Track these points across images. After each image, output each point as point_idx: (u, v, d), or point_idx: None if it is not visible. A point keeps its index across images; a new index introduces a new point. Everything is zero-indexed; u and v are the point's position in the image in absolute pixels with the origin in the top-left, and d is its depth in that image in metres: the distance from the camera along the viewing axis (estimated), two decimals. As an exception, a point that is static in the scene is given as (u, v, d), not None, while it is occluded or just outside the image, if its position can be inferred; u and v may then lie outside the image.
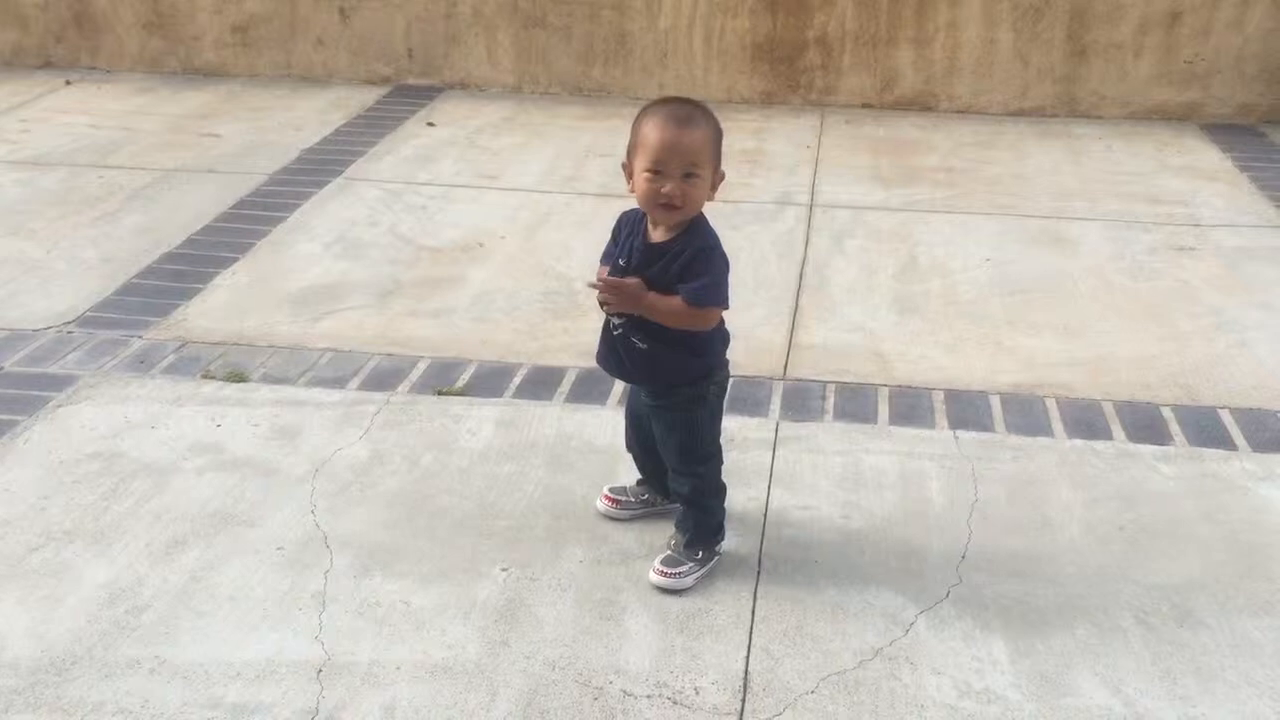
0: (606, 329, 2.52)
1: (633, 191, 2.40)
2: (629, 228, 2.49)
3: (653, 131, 2.33)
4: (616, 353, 2.51)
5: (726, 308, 2.44)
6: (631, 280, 2.39)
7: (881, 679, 2.31)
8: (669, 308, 2.38)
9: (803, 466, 3.01)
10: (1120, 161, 5.39)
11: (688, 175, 2.33)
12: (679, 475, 2.59)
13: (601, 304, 2.44)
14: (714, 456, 2.60)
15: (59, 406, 3.26)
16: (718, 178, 2.41)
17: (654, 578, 2.55)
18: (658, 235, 2.43)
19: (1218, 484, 2.96)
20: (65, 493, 2.87)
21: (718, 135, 2.39)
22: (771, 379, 3.45)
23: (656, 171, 2.33)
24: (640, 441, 2.70)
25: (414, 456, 3.04)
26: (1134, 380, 3.47)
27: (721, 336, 2.54)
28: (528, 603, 2.51)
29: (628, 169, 2.42)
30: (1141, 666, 2.36)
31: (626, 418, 2.74)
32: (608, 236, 2.57)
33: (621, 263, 2.45)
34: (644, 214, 2.45)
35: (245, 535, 2.72)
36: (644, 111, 2.39)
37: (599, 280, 2.42)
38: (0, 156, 5.25)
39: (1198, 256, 4.35)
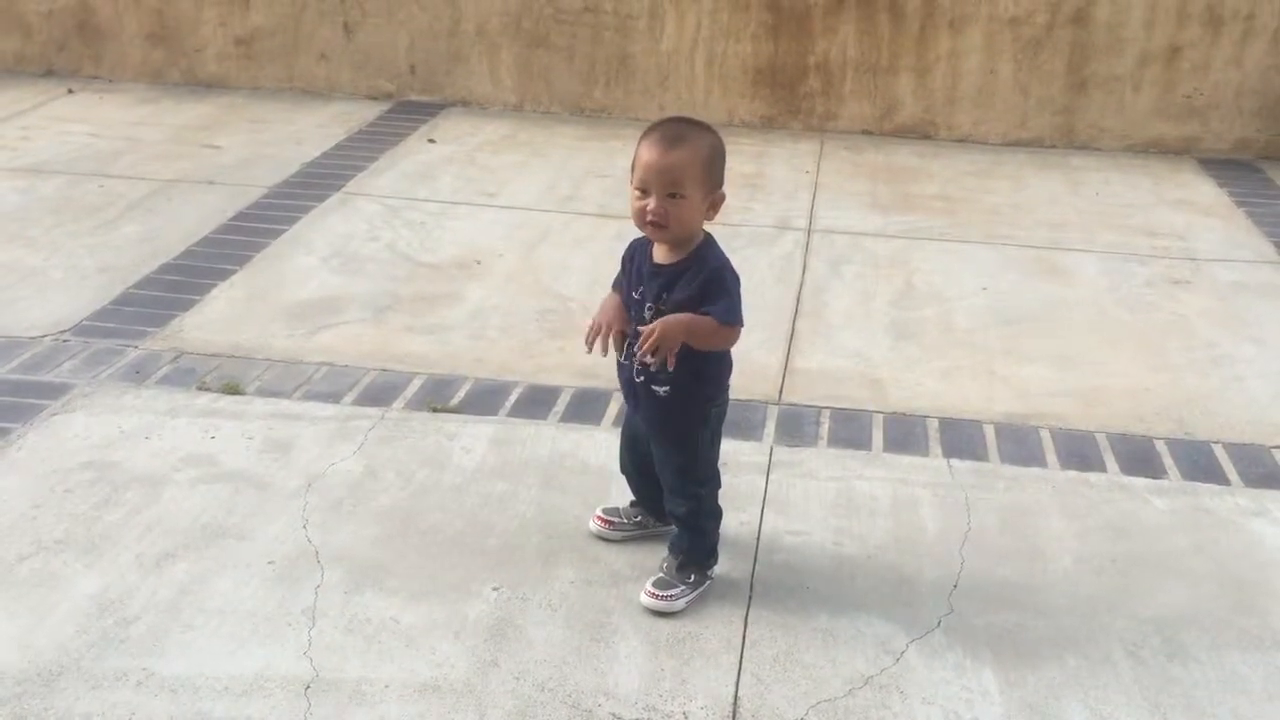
0: (627, 377, 2.52)
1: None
2: (639, 253, 2.50)
3: (643, 151, 2.36)
4: (635, 396, 2.53)
5: (743, 324, 2.44)
6: (658, 323, 2.35)
7: (871, 707, 2.31)
8: (702, 327, 2.37)
9: (796, 491, 3.01)
10: (1118, 194, 5.42)
11: (671, 195, 2.34)
12: (676, 496, 2.59)
13: (639, 357, 2.39)
14: (712, 479, 2.60)
15: (53, 415, 3.25)
16: (716, 198, 2.41)
17: (645, 600, 2.55)
18: (661, 256, 2.45)
19: (1210, 518, 2.97)
20: (57, 502, 2.87)
21: (712, 156, 2.39)
22: (766, 403, 3.45)
23: (643, 190, 2.35)
24: (635, 464, 2.70)
25: (407, 473, 3.04)
26: (1128, 412, 3.47)
27: (728, 364, 2.55)
28: (518, 623, 2.50)
29: None
30: (1131, 700, 2.35)
31: (622, 439, 2.74)
32: (605, 256, 2.58)
33: (636, 295, 2.45)
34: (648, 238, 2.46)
35: (236, 548, 2.71)
36: (645, 130, 2.41)
37: (634, 346, 2.39)
38: (0, 163, 5.26)
39: (1193, 290, 4.37)
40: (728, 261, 2.45)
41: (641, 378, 2.49)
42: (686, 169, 2.34)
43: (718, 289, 2.39)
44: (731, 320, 2.40)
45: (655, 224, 2.36)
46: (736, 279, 2.45)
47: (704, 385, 2.49)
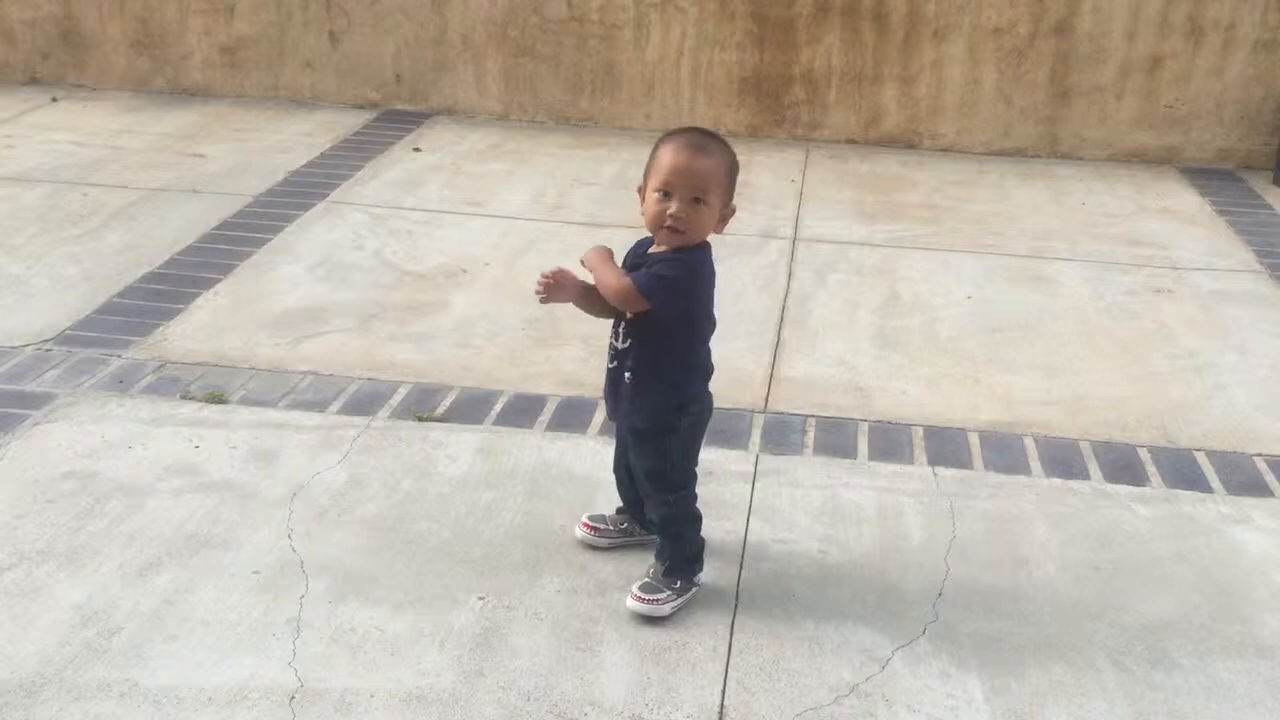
0: (608, 366, 2.55)
1: (644, 214, 2.42)
2: (640, 249, 2.52)
3: (667, 155, 2.36)
4: (613, 388, 2.54)
5: (658, 309, 2.39)
6: (561, 271, 2.45)
7: (857, 715, 2.31)
8: (607, 276, 2.41)
9: (782, 500, 3.02)
10: (1101, 203, 5.45)
11: (695, 200, 2.35)
12: (651, 502, 2.61)
13: (538, 295, 2.47)
14: (685, 486, 2.60)
15: (35, 425, 3.23)
16: (728, 211, 2.43)
17: (631, 603, 2.55)
18: (655, 248, 2.47)
19: (1193, 525, 2.98)
20: (40, 512, 2.85)
21: (732, 168, 2.41)
22: (752, 411, 3.46)
23: (666, 193, 2.36)
24: (627, 464, 2.70)
25: (393, 482, 3.03)
26: (1111, 420, 3.49)
27: (703, 371, 2.56)
28: (504, 632, 2.50)
29: (641, 192, 2.44)
30: (1115, 707, 2.36)
31: (617, 439, 2.75)
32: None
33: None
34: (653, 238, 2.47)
35: (220, 558, 2.70)
36: (663, 137, 2.43)
37: (540, 281, 2.45)
38: (-17, 171, 5.24)
39: (1175, 299, 4.40)
40: (700, 264, 2.43)
41: (614, 363, 2.51)
42: (713, 176, 2.36)
43: (664, 267, 2.39)
44: (642, 284, 2.37)
45: (674, 229, 2.37)
46: (690, 277, 2.40)
47: (664, 384, 2.49)
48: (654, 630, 2.52)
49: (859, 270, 4.55)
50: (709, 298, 2.49)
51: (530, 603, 2.59)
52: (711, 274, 2.48)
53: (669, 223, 2.36)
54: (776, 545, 2.83)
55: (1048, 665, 2.46)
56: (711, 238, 2.47)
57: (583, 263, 2.51)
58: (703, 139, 2.39)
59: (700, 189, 2.35)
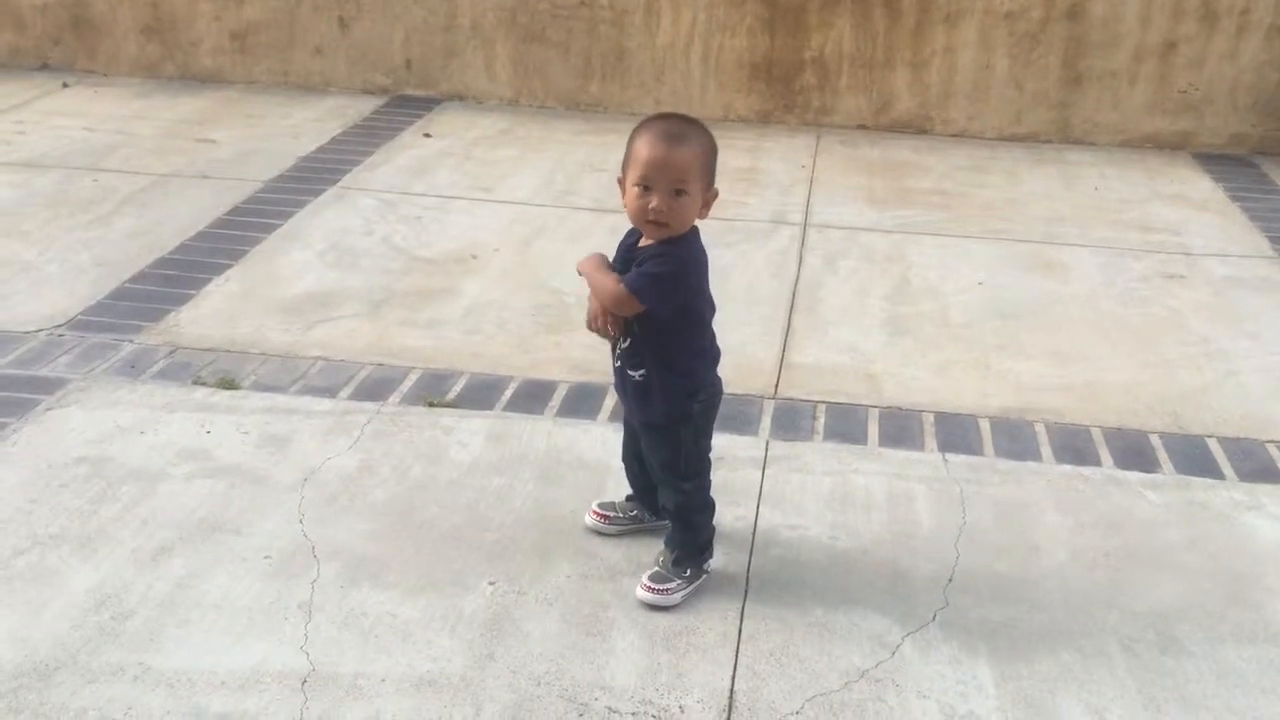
0: (612, 363, 2.56)
1: (626, 207, 2.41)
2: (630, 239, 2.51)
3: (643, 148, 2.34)
4: (622, 385, 2.55)
5: (652, 308, 2.38)
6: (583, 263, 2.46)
7: (867, 701, 2.31)
8: (602, 283, 2.41)
9: (792, 486, 3.02)
10: (1113, 189, 5.42)
11: (677, 192, 2.33)
12: (665, 490, 2.61)
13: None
14: (700, 473, 2.60)
15: (48, 410, 3.25)
16: (710, 195, 2.41)
17: (641, 594, 2.55)
18: (645, 240, 2.46)
19: (1204, 512, 2.98)
20: (52, 497, 2.86)
21: (710, 153, 2.39)
22: (762, 398, 3.46)
23: (645, 187, 2.34)
24: (636, 453, 2.70)
25: (403, 467, 3.04)
26: (1123, 407, 3.48)
27: (707, 357, 2.55)
28: (514, 617, 2.51)
29: (621, 183, 2.42)
30: (1126, 694, 2.36)
31: (625, 428, 2.75)
32: (601, 250, 2.57)
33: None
34: None
35: (232, 543, 2.71)
36: (638, 127, 2.39)
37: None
38: (-5, 157, 5.25)
39: (1188, 285, 4.38)
40: (691, 256, 2.42)
41: (619, 362, 2.51)
42: (691, 166, 2.33)
43: (653, 263, 2.38)
44: (631, 285, 2.37)
45: (657, 221, 2.36)
46: (682, 270, 2.40)
47: (676, 375, 2.48)
48: (664, 616, 2.52)
49: (869, 256, 4.54)
50: (704, 284, 2.48)
51: (541, 588, 2.60)
52: (703, 260, 2.46)
53: (651, 217, 2.35)
54: (786, 531, 2.84)
55: (1058, 652, 2.47)
56: (716, 222, 2.45)
57: (579, 271, 2.51)
58: (678, 127, 2.36)
59: (680, 180, 2.32)
